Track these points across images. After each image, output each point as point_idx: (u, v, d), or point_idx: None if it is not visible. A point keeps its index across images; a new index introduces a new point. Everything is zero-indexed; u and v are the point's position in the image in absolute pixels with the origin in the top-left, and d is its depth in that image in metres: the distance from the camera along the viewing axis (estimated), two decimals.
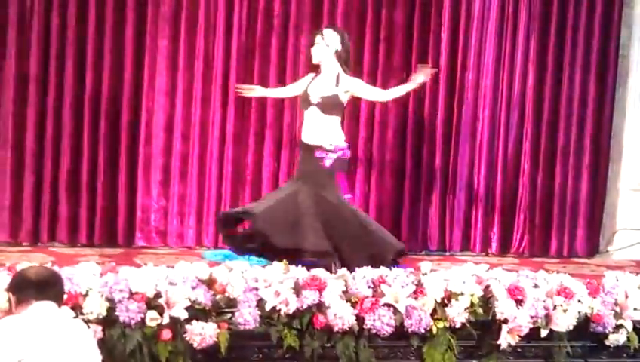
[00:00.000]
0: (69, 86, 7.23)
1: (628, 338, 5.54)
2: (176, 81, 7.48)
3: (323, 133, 6.40)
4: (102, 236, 7.30)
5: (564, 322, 5.35)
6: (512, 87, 8.15)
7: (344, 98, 6.49)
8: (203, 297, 4.86)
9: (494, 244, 8.10)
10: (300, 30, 7.70)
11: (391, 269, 5.47)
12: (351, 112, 7.78)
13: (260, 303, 4.98)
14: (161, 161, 7.47)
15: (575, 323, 5.40)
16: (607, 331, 5.49)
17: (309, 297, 5.01)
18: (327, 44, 6.47)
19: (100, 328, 4.63)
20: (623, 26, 8.35)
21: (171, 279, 4.90)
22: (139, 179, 7.42)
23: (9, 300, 3.81)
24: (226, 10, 7.52)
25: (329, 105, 6.40)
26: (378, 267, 5.46)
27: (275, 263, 5.35)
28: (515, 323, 5.24)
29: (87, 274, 4.85)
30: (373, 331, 5.08)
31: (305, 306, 5.01)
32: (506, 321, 5.24)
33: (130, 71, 7.36)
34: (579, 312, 5.41)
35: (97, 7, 7.24)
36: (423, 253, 7.74)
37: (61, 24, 7.18)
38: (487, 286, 5.36)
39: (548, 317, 5.35)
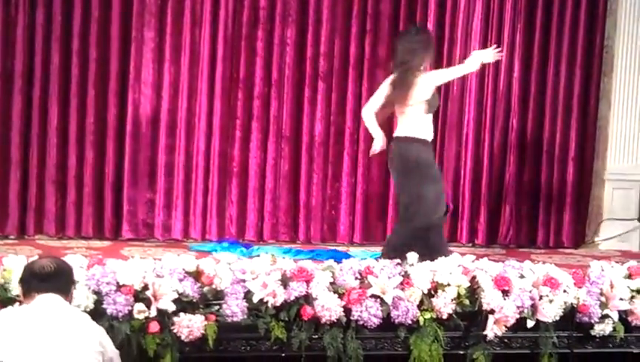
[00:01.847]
0: (55, 79, 7.21)
1: (614, 328, 5.53)
2: (162, 73, 7.48)
3: None
4: (89, 229, 7.30)
5: (550, 312, 5.36)
6: (497, 79, 8.18)
7: None
8: (190, 289, 4.84)
9: (481, 235, 8.14)
10: (286, 22, 7.70)
11: None
12: (338, 104, 7.81)
13: (248, 295, 4.97)
14: (147, 154, 7.46)
15: (561, 314, 5.40)
16: (593, 321, 5.49)
17: (297, 289, 5.00)
18: None
19: None
20: (607, 16, 8.39)
21: (158, 271, 4.89)
22: (125, 171, 7.41)
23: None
24: (212, 1, 7.51)
25: None
26: None
27: None
28: (502, 313, 5.24)
29: (74, 266, 4.81)
30: (361, 322, 5.06)
31: (292, 298, 5.00)
32: (492, 312, 5.25)
33: (116, 64, 7.35)
34: (565, 302, 5.41)
35: (83, 0, 7.22)
36: None
37: (46, 18, 7.16)
38: (474, 277, 5.36)
39: (534, 308, 5.35)
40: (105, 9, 7.28)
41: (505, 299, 5.29)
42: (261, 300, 4.97)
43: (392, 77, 6.34)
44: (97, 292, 4.73)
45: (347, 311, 5.06)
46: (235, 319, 4.91)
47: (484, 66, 8.00)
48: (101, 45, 7.30)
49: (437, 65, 7.91)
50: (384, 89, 6.36)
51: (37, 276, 3.79)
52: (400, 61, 6.30)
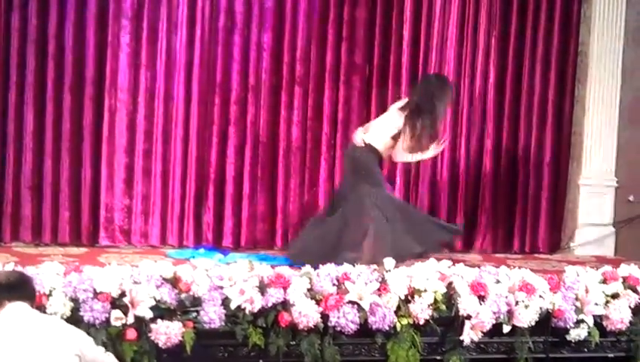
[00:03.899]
0: (30, 84, 7.17)
1: (589, 333, 5.58)
2: (138, 78, 7.46)
3: None
4: (65, 235, 7.26)
5: (526, 318, 5.39)
6: (473, 85, 8.22)
7: None
8: (168, 296, 4.84)
9: (458, 241, 8.16)
10: (262, 28, 7.71)
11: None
12: (314, 109, 7.82)
13: (225, 302, 4.97)
14: (124, 160, 7.43)
15: (537, 319, 5.44)
16: (568, 326, 5.53)
17: (274, 295, 5.01)
18: None
19: None
20: (581, 23, 8.46)
21: (136, 278, 4.88)
22: (102, 178, 7.38)
23: None
24: (188, 7, 7.50)
25: None
26: None
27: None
28: (478, 319, 5.27)
29: (50, 273, 4.81)
30: (338, 328, 5.08)
31: (270, 304, 5.01)
32: (468, 317, 5.28)
33: (92, 69, 7.32)
34: (540, 308, 5.45)
35: (58, 4, 7.19)
36: None
37: (22, 21, 7.13)
38: (450, 283, 5.39)
39: (510, 313, 5.39)
40: (81, 13, 7.25)
41: (481, 305, 5.32)
42: (239, 307, 4.97)
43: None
44: (74, 300, 4.72)
45: (324, 317, 5.07)
46: (212, 325, 4.91)
47: (459, 72, 8.12)
48: (77, 50, 7.27)
49: (413, 71, 8.01)
50: None
51: (5, 286, 3.82)
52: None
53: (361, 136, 6.65)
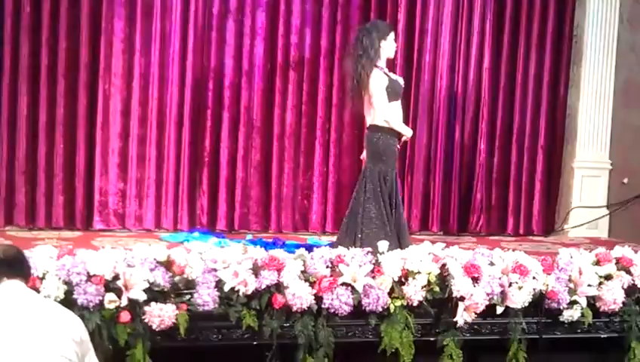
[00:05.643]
0: (24, 69, 7.17)
1: (582, 313, 5.58)
2: (132, 63, 7.46)
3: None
4: (59, 219, 7.28)
5: (519, 299, 5.40)
6: (468, 68, 8.23)
7: None
8: (161, 279, 4.84)
9: (452, 223, 8.18)
10: (256, 12, 7.70)
11: None
12: (309, 94, 7.81)
13: (219, 284, 4.97)
14: (118, 144, 7.44)
15: (530, 300, 5.44)
16: (561, 307, 5.54)
17: (268, 277, 5.01)
18: None
19: None
20: (577, 6, 8.45)
21: (129, 261, 4.88)
22: (97, 162, 7.40)
23: None
24: None
25: None
26: None
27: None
28: (472, 300, 5.27)
29: (44, 256, 4.81)
30: (332, 310, 5.08)
31: (263, 286, 5.00)
32: (462, 299, 5.27)
33: (85, 54, 7.32)
34: (534, 289, 5.45)
35: None
36: None
37: (15, 7, 7.12)
38: (444, 265, 5.39)
39: (503, 294, 5.39)
40: None
41: (475, 286, 5.31)
42: (232, 289, 4.97)
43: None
44: (68, 283, 4.70)
45: (318, 299, 5.07)
46: (206, 308, 4.91)
47: (454, 56, 8.12)
48: (71, 35, 7.26)
49: (408, 54, 8.01)
50: None
51: (4, 261, 3.73)
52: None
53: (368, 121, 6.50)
